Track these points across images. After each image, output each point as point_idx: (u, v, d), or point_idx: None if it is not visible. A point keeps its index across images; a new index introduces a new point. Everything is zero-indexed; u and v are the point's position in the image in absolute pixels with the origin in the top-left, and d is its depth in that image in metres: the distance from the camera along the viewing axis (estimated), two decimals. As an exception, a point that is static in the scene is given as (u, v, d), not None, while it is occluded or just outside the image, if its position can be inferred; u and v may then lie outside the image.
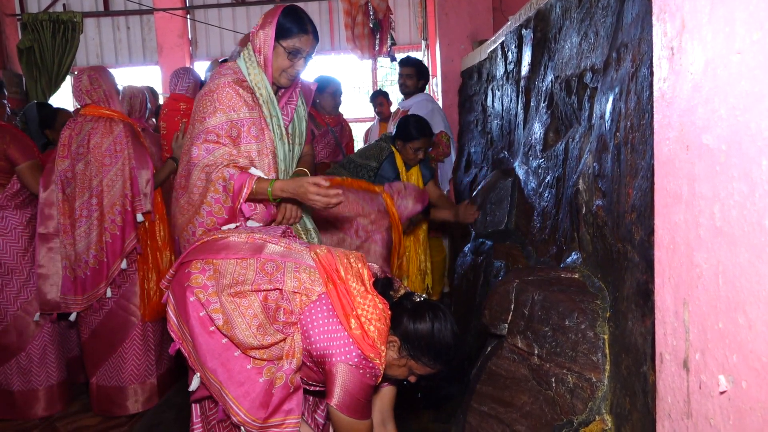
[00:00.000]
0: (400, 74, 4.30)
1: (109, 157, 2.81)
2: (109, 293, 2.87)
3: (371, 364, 1.59)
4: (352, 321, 1.60)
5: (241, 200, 1.95)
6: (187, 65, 7.96)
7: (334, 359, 1.58)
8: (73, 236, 2.83)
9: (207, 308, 1.68)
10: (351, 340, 1.58)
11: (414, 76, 4.20)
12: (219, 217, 2.02)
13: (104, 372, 2.95)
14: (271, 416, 1.64)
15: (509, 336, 1.66)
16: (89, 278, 2.83)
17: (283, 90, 2.12)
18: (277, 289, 1.66)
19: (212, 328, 1.68)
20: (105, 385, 2.96)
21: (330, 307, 1.63)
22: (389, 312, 1.66)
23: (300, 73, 2.05)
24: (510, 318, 1.68)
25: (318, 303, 1.64)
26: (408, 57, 4.44)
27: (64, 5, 8.46)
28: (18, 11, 7.62)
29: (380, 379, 1.64)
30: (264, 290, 1.67)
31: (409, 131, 3.24)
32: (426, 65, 4.30)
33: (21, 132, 3.09)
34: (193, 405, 1.90)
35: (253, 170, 2.00)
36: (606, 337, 1.45)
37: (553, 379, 1.50)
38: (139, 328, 2.96)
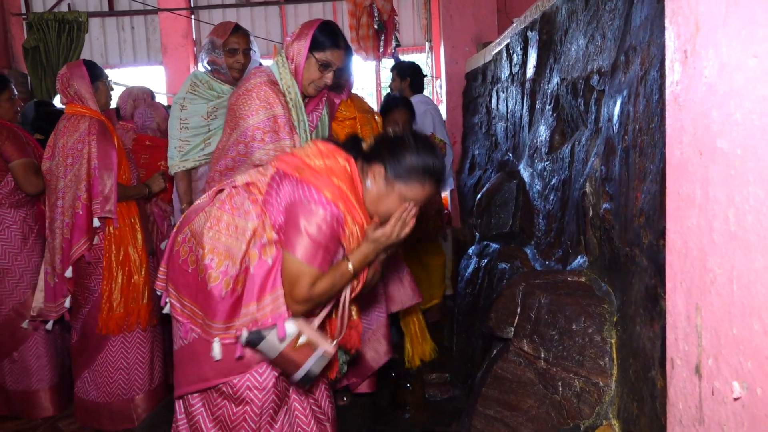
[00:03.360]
0: None
1: (72, 156, 2.66)
2: (67, 303, 2.70)
3: (329, 205, 1.58)
4: (304, 169, 1.63)
5: None
6: (191, 65, 7.97)
7: (294, 206, 1.60)
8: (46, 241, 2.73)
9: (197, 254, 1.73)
10: (307, 183, 1.60)
11: (396, 77, 4.26)
12: None
13: (81, 384, 2.83)
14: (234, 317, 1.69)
15: (515, 339, 1.66)
16: (58, 285, 2.69)
17: (309, 98, 2.23)
18: (233, 187, 1.73)
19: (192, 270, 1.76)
20: (82, 398, 2.84)
21: (283, 173, 1.67)
22: (347, 155, 1.69)
23: (327, 85, 2.17)
24: (516, 321, 1.67)
25: (273, 176, 1.69)
26: (395, 61, 4.52)
27: (69, 5, 8.47)
28: (23, 11, 7.64)
29: (346, 227, 1.62)
30: (223, 196, 1.73)
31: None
32: (412, 64, 4.34)
33: (22, 130, 3.00)
34: (176, 402, 1.89)
35: None
36: (613, 341, 1.44)
37: (559, 383, 1.49)
38: (115, 342, 2.78)
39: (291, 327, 1.63)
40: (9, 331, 2.92)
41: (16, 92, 3.06)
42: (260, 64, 2.64)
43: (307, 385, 1.74)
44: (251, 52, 2.75)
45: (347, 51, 2.16)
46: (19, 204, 2.91)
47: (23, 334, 2.93)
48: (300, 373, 1.65)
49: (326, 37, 2.09)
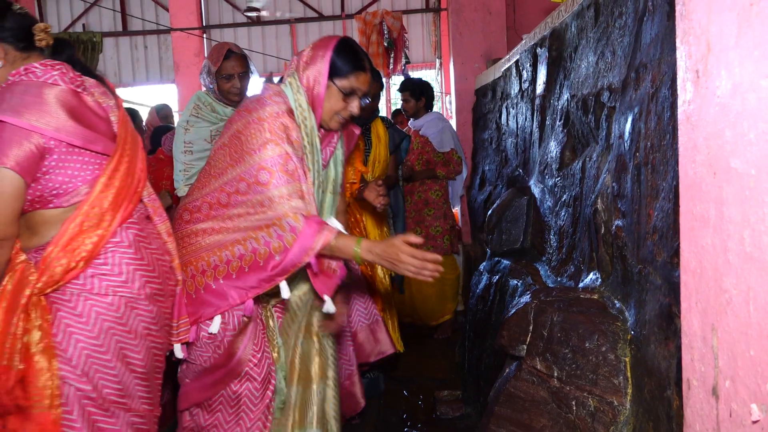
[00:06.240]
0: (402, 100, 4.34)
1: None
2: None
3: None
4: None
5: (314, 251, 1.63)
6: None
7: None
8: None
9: None
10: None
11: (410, 98, 4.22)
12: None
13: None
14: None
15: (528, 357, 1.64)
16: None
17: (325, 130, 1.88)
18: None
19: None
20: None
21: None
22: None
23: (354, 115, 1.84)
24: (529, 339, 1.66)
25: None
26: (403, 81, 4.43)
27: (83, 25, 8.63)
28: (39, 31, 7.80)
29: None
30: None
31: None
32: (422, 82, 4.32)
33: None
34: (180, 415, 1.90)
35: (332, 221, 1.77)
36: (627, 359, 1.43)
37: (573, 402, 1.48)
38: None
39: None
40: None
41: None
42: (269, 80, 2.58)
43: None
44: (249, 73, 2.69)
45: (374, 73, 1.85)
46: None
47: None
48: None
49: (348, 59, 1.77)
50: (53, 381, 1.46)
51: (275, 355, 1.88)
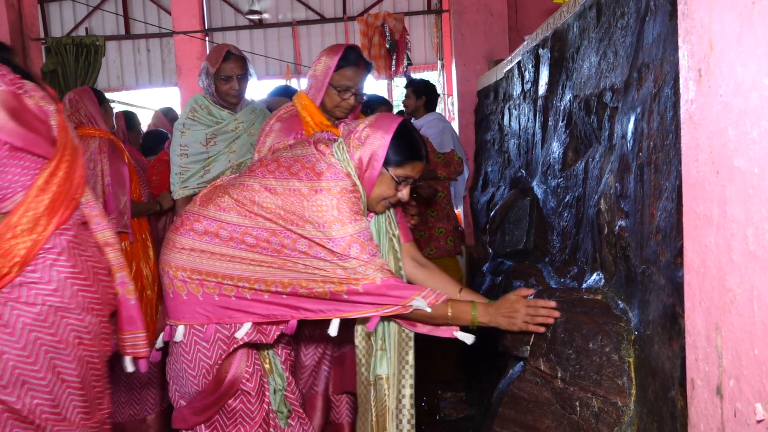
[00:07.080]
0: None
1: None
2: None
3: None
4: None
5: (406, 304, 1.63)
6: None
7: None
8: None
9: None
10: None
11: (411, 95, 4.25)
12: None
13: None
14: None
15: (532, 358, 1.64)
16: None
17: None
18: None
19: None
20: None
21: None
22: None
23: (403, 201, 1.78)
24: (532, 340, 1.66)
25: None
26: (409, 79, 4.51)
27: (86, 29, 8.67)
28: (42, 36, 7.82)
29: None
30: None
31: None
32: (427, 83, 4.34)
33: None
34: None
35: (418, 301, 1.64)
36: (631, 360, 1.43)
37: (577, 403, 1.48)
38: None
39: None
40: None
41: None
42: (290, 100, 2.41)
43: None
44: (248, 75, 2.69)
45: (428, 158, 1.79)
46: None
47: None
48: None
49: (406, 147, 1.70)
50: None
51: (267, 366, 1.86)
